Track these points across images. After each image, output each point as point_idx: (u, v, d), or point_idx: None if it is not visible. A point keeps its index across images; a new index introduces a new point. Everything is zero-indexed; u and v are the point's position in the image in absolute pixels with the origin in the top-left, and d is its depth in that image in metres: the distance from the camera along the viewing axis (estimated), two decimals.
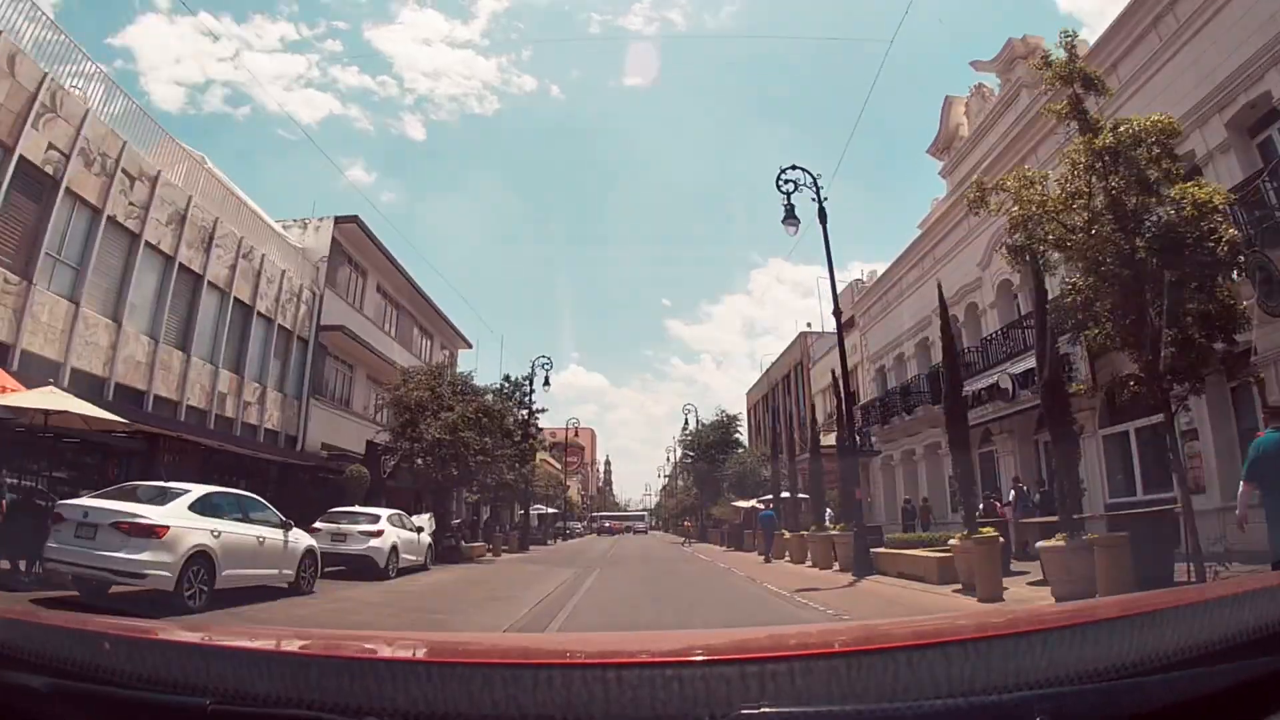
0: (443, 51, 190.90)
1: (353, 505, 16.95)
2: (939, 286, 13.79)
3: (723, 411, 41.64)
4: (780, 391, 40.43)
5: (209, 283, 19.18)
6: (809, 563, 17.37)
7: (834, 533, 15.57)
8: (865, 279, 28.94)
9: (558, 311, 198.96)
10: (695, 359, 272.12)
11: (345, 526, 13.91)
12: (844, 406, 16.02)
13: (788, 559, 19.67)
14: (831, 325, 38.76)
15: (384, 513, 14.98)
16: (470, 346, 38.57)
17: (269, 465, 21.84)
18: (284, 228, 25.31)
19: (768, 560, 20.32)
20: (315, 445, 23.07)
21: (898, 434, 23.99)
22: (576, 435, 50.14)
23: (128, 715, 0.98)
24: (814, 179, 16.56)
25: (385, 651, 1.36)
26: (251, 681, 0.97)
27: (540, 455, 57.86)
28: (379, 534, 13.90)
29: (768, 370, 44.20)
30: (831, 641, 1.41)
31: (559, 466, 55.72)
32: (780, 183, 16.39)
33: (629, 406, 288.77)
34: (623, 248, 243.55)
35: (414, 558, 15.66)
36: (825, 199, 16.38)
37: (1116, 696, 0.90)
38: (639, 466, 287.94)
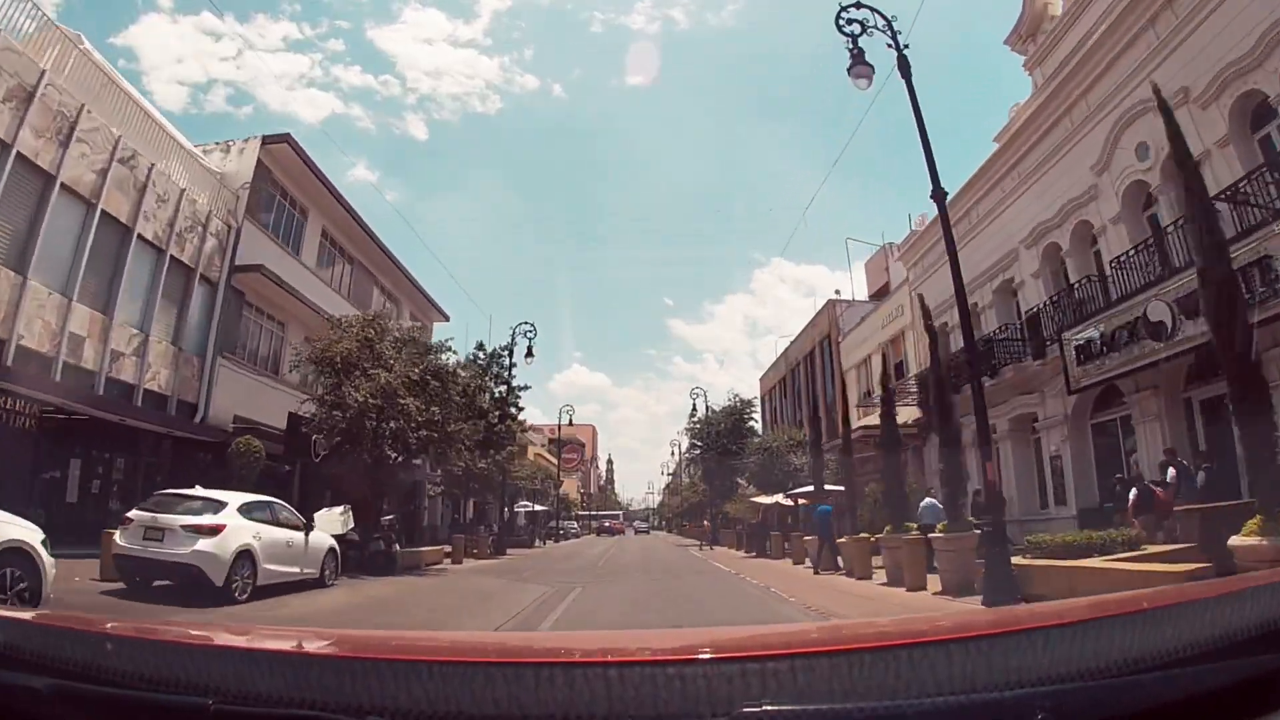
0: (445, 50, 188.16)
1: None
2: (1163, 108, 7.18)
3: (736, 396, 36.55)
4: (802, 372, 35.18)
5: (64, 185, 14.27)
6: (881, 579, 12.14)
7: (938, 535, 10.19)
8: (917, 225, 23.76)
9: (560, 310, 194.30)
10: (698, 358, 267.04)
11: (166, 517, 8.78)
12: (965, 336, 10.83)
13: (840, 572, 14.48)
14: (862, 294, 33.83)
15: (234, 498, 9.73)
16: (447, 319, 33.39)
17: (161, 440, 16.85)
18: (204, 151, 20.48)
19: (817, 572, 15.02)
20: (224, 417, 18.02)
21: (968, 407, 18.79)
22: (571, 425, 44.92)
23: (129, 716, 0.97)
24: (887, 21, 11.56)
25: (388, 651, 1.28)
26: (254, 681, 0.95)
27: (533, 449, 52.99)
28: (215, 531, 8.74)
29: (785, 351, 38.96)
30: (833, 639, 1.37)
31: (553, 460, 50.70)
32: (842, 23, 11.45)
33: (631, 406, 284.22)
34: (625, 247, 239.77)
35: (292, 569, 10.56)
36: (906, 46, 11.36)
37: (1119, 694, 0.89)
38: (642, 466, 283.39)
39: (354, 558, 14.79)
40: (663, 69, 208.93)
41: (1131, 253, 13.49)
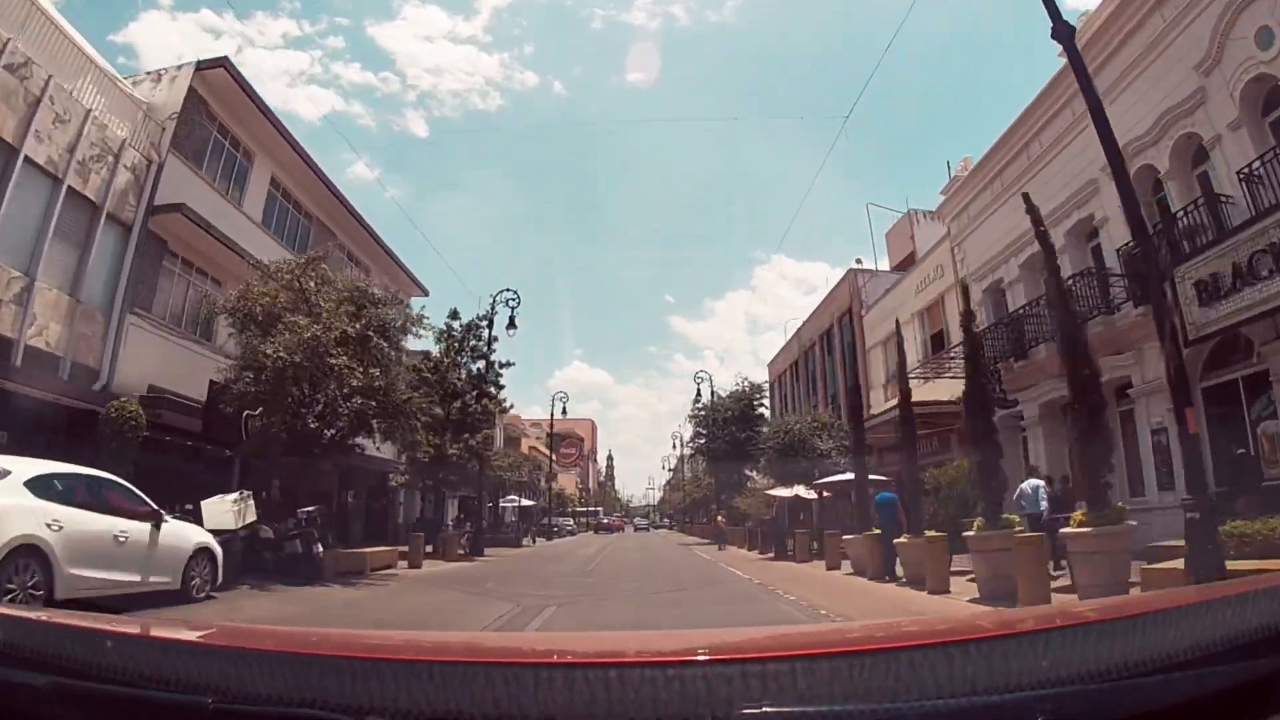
0: (445, 47, 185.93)
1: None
2: None
3: (745, 380, 33.47)
4: (818, 352, 32.04)
5: None
6: (969, 593, 8.95)
7: (1079, 529, 6.84)
8: (959, 171, 20.64)
9: (560, 308, 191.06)
10: (698, 355, 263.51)
11: None
12: (1131, 223, 7.75)
13: (899, 581, 11.26)
14: (885, 263, 30.73)
15: (22, 467, 6.66)
16: (426, 293, 30.33)
17: (57, 410, 13.80)
18: (133, 83, 17.53)
19: (887, 582, 11.62)
20: (137, 386, 14.97)
21: (1037, 376, 15.73)
22: (565, 415, 41.85)
23: (129, 714, 0.95)
24: None
25: (388, 650, 1.29)
26: (254, 680, 0.93)
27: (527, 441, 49.93)
28: None
29: (798, 331, 35.82)
30: (833, 641, 1.36)
31: (547, 453, 47.67)
32: None
33: (632, 403, 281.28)
34: (626, 244, 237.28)
35: (127, 576, 7.48)
36: None
37: (1119, 696, 0.88)
38: (643, 463, 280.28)
39: (271, 560, 11.73)
40: (664, 66, 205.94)
41: (1270, 158, 10.43)
